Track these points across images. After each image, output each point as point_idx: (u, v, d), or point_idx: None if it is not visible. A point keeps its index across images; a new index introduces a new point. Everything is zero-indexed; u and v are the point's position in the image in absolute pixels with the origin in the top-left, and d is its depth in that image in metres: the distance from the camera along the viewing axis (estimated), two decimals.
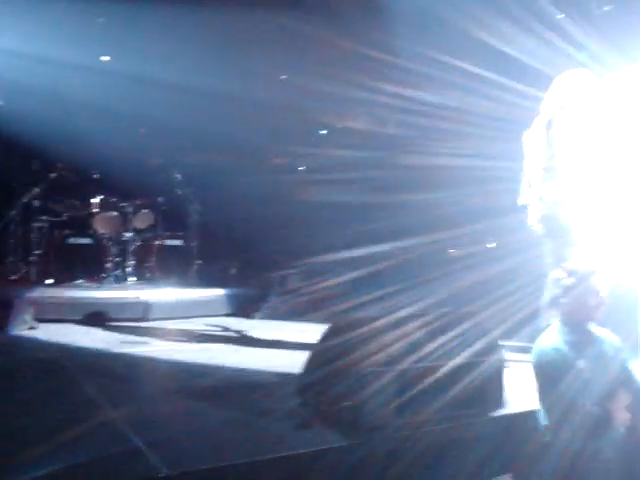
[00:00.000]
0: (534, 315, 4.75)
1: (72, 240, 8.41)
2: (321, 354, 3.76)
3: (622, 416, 3.41)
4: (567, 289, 3.52)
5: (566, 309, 3.53)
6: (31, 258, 8.15)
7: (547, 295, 3.66)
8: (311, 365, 3.80)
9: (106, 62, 9.45)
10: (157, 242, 8.71)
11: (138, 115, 9.21)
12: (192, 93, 8.79)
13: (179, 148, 9.37)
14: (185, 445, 3.16)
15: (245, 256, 9.11)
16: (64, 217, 8.42)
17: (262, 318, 7.71)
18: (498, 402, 3.75)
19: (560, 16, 7.64)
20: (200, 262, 8.95)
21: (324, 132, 10.91)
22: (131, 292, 7.77)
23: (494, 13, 7.34)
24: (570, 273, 3.55)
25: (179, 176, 9.01)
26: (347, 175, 9.21)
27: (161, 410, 3.85)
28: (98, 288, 7.92)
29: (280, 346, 5.89)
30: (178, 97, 8.87)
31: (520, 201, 4.87)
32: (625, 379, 3.57)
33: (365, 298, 6.40)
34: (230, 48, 8.96)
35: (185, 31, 8.63)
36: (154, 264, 8.59)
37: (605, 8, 7.36)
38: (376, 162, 9.08)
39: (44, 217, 8.32)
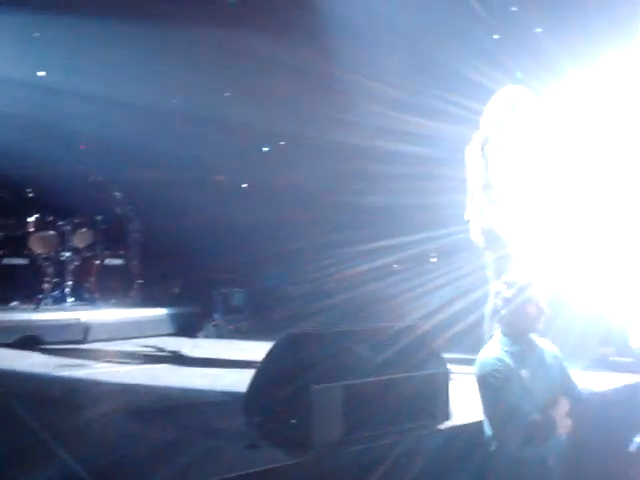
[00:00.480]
0: (476, 326, 4.84)
1: (6, 261, 8.12)
2: (267, 371, 3.72)
3: (564, 423, 3.49)
4: (507, 300, 3.60)
5: (507, 320, 3.60)
6: None
7: (488, 307, 3.73)
8: (257, 383, 3.75)
9: (43, 77, 9.23)
10: (96, 261, 8.49)
11: (77, 131, 9.03)
12: (133, 109, 8.66)
13: (119, 165, 9.19)
14: (128, 470, 3.07)
15: (187, 274, 8.97)
16: None
17: (206, 337, 7.60)
18: (445, 414, 3.78)
19: (496, 36, 7.91)
20: (141, 281, 8.77)
21: (266, 149, 10.93)
22: (70, 313, 7.54)
23: (436, 29, 7.53)
24: (509, 285, 3.63)
25: (118, 194, 8.83)
26: (288, 191, 9.25)
27: (101, 434, 3.73)
28: (35, 310, 7.66)
29: (225, 365, 5.80)
30: (118, 113, 8.73)
31: (465, 216, 4.98)
32: (565, 387, 3.66)
33: (308, 312, 6.40)
34: (173, 64, 8.89)
35: (127, 47, 8.51)
36: (94, 284, 8.37)
37: (537, 30, 7.64)
38: (315, 178, 9.14)
39: None
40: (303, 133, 9.32)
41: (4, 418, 3.99)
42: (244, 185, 10.71)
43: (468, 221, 4.95)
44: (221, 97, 9.96)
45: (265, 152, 10.92)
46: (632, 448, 4.22)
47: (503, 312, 3.60)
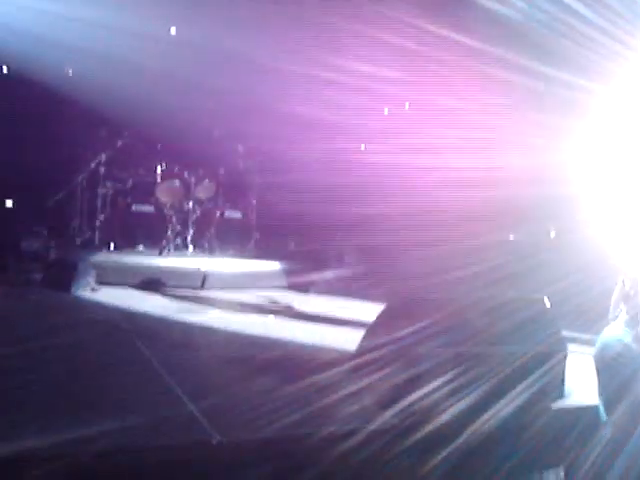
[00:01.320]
0: (605, 308, 4.58)
1: (135, 207, 8.56)
2: (377, 333, 3.71)
3: None
4: (638, 283, 3.36)
5: (635, 301, 3.37)
6: (95, 223, 8.34)
7: (619, 289, 3.51)
8: (366, 343, 3.76)
9: (178, 33, 9.50)
10: (217, 213, 8.78)
11: (203, 87, 9.24)
12: (258, 70, 8.74)
13: (243, 121, 9.35)
14: (237, 414, 3.19)
15: (303, 231, 9.08)
16: (128, 184, 8.56)
17: (318, 293, 7.68)
18: (560, 393, 3.63)
19: None
20: (259, 235, 8.99)
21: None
22: (190, 261, 7.87)
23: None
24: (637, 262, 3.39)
25: (242, 148, 9.03)
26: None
27: (215, 379, 3.89)
28: (159, 256, 8.05)
29: (333, 322, 5.86)
30: (244, 71, 8.84)
31: None
32: None
33: (431, 280, 6.28)
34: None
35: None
36: (214, 235, 8.67)
37: None
38: None
39: (109, 184, 8.48)
40: None
41: (128, 353, 4.25)
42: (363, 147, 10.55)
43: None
44: None
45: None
46: None
47: (632, 292, 3.37)
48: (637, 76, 5.58)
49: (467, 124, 8.30)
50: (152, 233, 8.50)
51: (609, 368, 3.31)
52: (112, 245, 8.18)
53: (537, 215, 7.76)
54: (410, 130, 8.93)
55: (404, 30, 8.28)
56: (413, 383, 3.34)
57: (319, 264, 8.09)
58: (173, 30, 9.51)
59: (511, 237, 8.60)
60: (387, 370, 3.45)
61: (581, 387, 3.83)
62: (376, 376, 3.58)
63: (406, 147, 8.66)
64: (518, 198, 7.81)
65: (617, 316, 3.51)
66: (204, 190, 8.84)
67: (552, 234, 8.42)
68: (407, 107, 9.75)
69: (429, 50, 8.35)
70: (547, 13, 6.98)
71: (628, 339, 3.31)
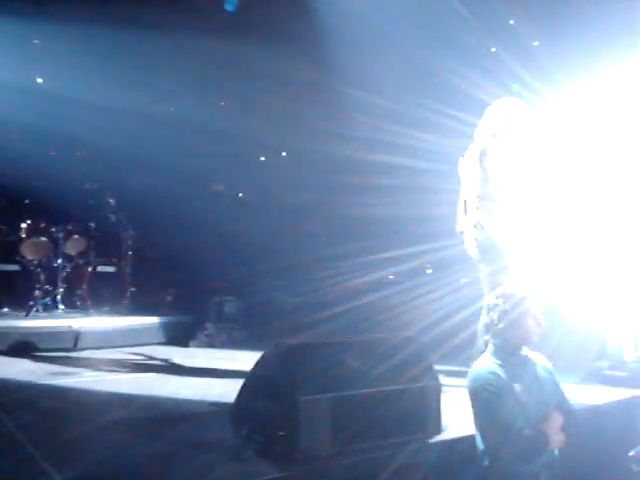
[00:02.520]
0: (471, 340, 4.78)
1: None
2: (255, 382, 3.66)
3: (557, 438, 3.43)
4: (504, 313, 3.54)
5: (503, 333, 3.54)
6: None
7: (482, 319, 3.67)
8: (245, 394, 3.69)
9: (41, 84, 9.21)
10: (89, 268, 8.43)
11: (72, 138, 8.99)
12: (129, 117, 8.64)
13: (114, 172, 9.15)
14: None
15: (181, 283, 8.91)
16: None
17: (198, 346, 7.54)
18: (436, 427, 3.72)
19: (493, 49, 7.91)
20: (134, 289, 8.70)
21: (263, 159, 10.89)
22: (61, 321, 7.48)
23: (432, 41, 7.52)
24: (507, 297, 3.57)
25: (112, 200, 8.78)
26: (286, 202, 9.22)
27: (88, 445, 3.66)
28: (26, 317, 7.59)
29: (215, 375, 5.75)
30: (114, 120, 8.70)
31: (457, 228, 4.93)
32: (558, 401, 3.60)
33: (303, 324, 6.34)
34: (170, 72, 8.88)
35: (124, 54, 8.51)
36: (86, 291, 8.30)
37: (535, 43, 7.65)
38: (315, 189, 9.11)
39: None
40: (301, 144, 9.31)
41: None
42: (240, 194, 10.66)
43: (461, 233, 4.90)
44: (218, 106, 9.96)
45: (263, 162, 10.89)
46: (629, 463, 4.16)
47: (500, 325, 3.53)
48: None
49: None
50: (18, 293, 8.01)
51: (481, 398, 3.44)
52: None
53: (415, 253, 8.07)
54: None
55: None
56: (294, 430, 3.30)
57: (199, 316, 7.96)
58: (39, 80, 9.23)
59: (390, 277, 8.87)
60: (265, 420, 3.39)
61: (456, 419, 3.94)
62: (258, 428, 3.53)
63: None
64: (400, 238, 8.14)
65: (485, 347, 3.67)
66: (74, 245, 8.49)
67: (429, 271, 8.78)
68: None
69: None
70: None
71: (496, 369, 3.47)
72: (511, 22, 7.87)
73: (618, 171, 5.53)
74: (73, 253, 8.49)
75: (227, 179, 10.28)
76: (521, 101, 4.89)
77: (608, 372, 5.31)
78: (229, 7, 8.26)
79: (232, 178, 10.19)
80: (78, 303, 8.30)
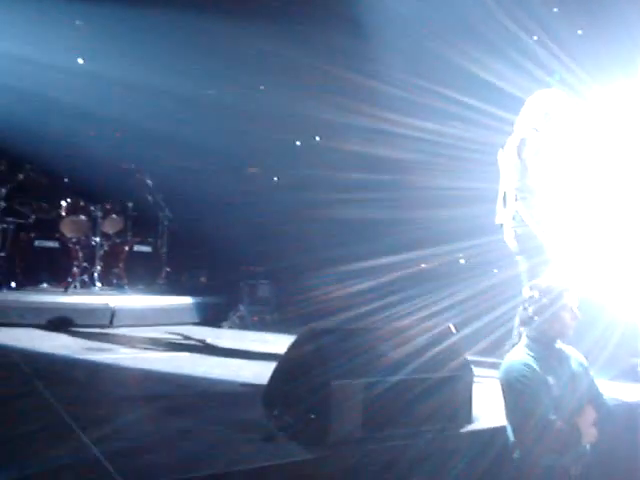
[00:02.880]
0: (508, 335, 4.75)
1: (38, 243, 8.21)
2: (288, 365, 3.69)
3: (589, 432, 3.41)
4: (542, 306, 3.51)
5: (539, 326, 3.51)
6: None
7: (520, 310, 3.65)
8: (278, 376, 3.73)
9: (81, 64, 9.32)
10: (126, 247, 8.56)
11: (112, 118, 9.10)
12: (168, 98, 8.71)
13: (152, 153, 9.24)
14: (145, 457, 3.07)
15: (215, 264, 9.00)
16: (31, 219, 8.23)
17: (230, 327, 7.62)
18: (467, 417, 3.71)
19: (535, 37, 7.77)
20: (169, 269, 8.82)
21: (298, 144, 10.89)
22: (98, 298, 7.62)
23: (468, 37, 7.42)
24: (545, 290, 3.54)
25: (150, 181, 8.89)
26: (324, 188, 9.20)
27: (122, 419, 3.74)
28: (64, 293, 7.75)
29: (247, 356, 5.80)
30: (154, 101, 8.78)
31: (496, 220, 4.89)
32: (592, 396, 3.57)
33: (335, 307, 6.35)
34: (209, 55, 8.91)
35: (164, 36, 8.57)
36: (122, 270, 8.44)
37: (579, 32, 7.49)
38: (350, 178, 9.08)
39: (10, 219, 8.12)
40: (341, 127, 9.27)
41: (25, 396, 4.03)
42: (275, 179, 10.70)
43: (501, 226, 4.85)
44: (256, 89, 9.98)
45: (299, 146, 10.88)
46: None
47: (536, 318, 3.51)
48: None
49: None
50: (57, 270, 8.17)
51: (514, 390, 3.43)
52: (13, 283, 7.80)
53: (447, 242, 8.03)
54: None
55: None
56: (327, 413, 3.33)
57: (232, 297, 8.03)
58: (80, 61, 9.34)
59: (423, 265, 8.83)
60: (296, 403, 3.42)
61: (489, 410, 3.93)
62: (290, 410, 3.56)
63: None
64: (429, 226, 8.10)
65: (519, 339, 3.65)
66: (111, 224, 8.63)
67: (461, 261, 8.72)
68: None
69: None
70: None
71: (530, 361, 3.45)
72: (555, 10, 7.71)
73: None
74: (111, 232, 8.63)
75: (263, 162, 10.32)
76: (562, 93, 4.80)
77: None
78: None
79: (268, 161, 10.23)
80: (114, 281, 8.44)
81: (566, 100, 4.76)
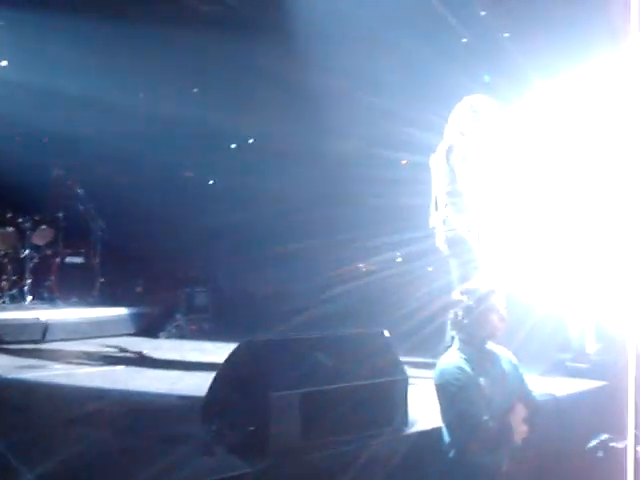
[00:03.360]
0: (440, 333, 4.87)
1: None
2: (227, 377, 3.68)
3: (520, 429, 3.54)
4: (469, 308, 3.63)
5: (468, 328, 3.63)
6: None
7: (450, 314, 3.76)
8: (216, 388, 3.71)
9: (5, 68, 9.04)
10: (57, 259, 8.34)
11: (41, 126, 8.84)
12: (98, 106, 8.53)
13: (82, 162, 9.03)
14: (82, 477, 3.01)
15: (150, 273, 8.86)
16: None
17: (168, 337, 7.51)
18: (403, 421, 3.79)
19: (464, 40, 7.97)
20: (103, 280, 8.63)
21: (233, 146, 10.85)
22: (29, 312, 7.40)
23: (398, 37, 7.56)
24: (471, 293, 3.66)
25: (81, 190, 8.67)
26: (257, 191, 9.21)
27: (57, 439, 3.66)
28: None
29: (185, 367, 5.75)
30: (82, 109, 8.59)
31: (430, 223, 5.00)
32: (522, 393, 3.71)
33: (271, 316, 6.37)
34: (137, 60, 8.77)
35: (92, 41, 8.39)
36: (54, 282, 8.21)
37: (505, 34, 7.72)
38: (286, 179, 9.12)
39: None
40: (275, 133, 9.29)
41: None
42: (211, 182, 10.61)
43: (433, 229, 4.97)
44: (188, 95, 9.88)
45: (233, 150, 10.84)
46: (593, 451, 4.28)
47: (465, 321, 3.63)
48: None
49: None
50: None
51: (448, 392, 3.53)
52: None
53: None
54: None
55: None
56: (266, 425, 3.35)
57: (169, 307, 7.93)
58: (3, 63, 9.05)
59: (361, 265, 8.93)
60: (236, 415, 3.43)
61: (425, 412, 4.02)
62: (229, 422, 3.56)
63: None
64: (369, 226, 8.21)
65: (452, 342, 3.76)
66: (41, 236, 8.39)
67: (398, 259, 8.86)
68: None
69: None
70: None
71: (462, 363, 3.56)
72: (483, 13, 7.93)
73: (588, 168, 5.64)
74: (41, 244, 8.38)
75: (197, 167, 10.22)
76: (489, 98, 4.95)
77: (571, 364, 5.45)
78: None
79: (202, 166, 10.14)
80: (46, 294, 8.20)
81: (492, 105, 4.92)
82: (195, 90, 10.06)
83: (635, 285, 5.02)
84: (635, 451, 3.88)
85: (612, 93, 5.49)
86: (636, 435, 3.97)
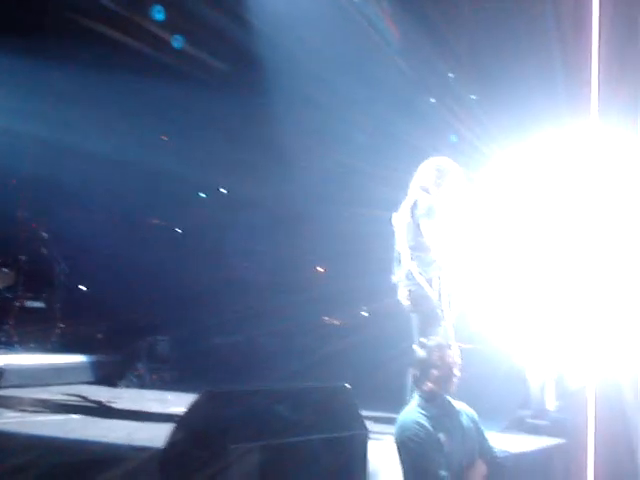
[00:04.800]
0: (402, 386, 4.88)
1: None
2: (186, 428, 3.63)
3: None
4: (421, 362, 3.69)
5: (422, 383, 3.68)
6: None
7: (412, 372, 3.80)
8: (175, 440, 3.65)
9: None
10: (16, 303, 8.17)
11: (6, 167, 8.78)
12: (64, 148, 8.52)
13: (48, 205, 8.96)
14: None
15: (111, 320, 8.73)
16: None
17: (127, 386, 7.37)
18: (362, 475, 3.76)
19: (432, 100, 8.23)
20: (63, 326, 8.47)
21: (203, 195, 10.88)
22: None
23: (366, 98, 7.78)
24: (426, 347, 3.73)
25: (45, 234, 8.58)
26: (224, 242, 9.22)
27: None
28: None
29: (144, 418, 5.64)
30: (48, 152, 8.57)
31: (393, 279, 5.05)
32: (482, 450, 3.73)
33: (233, 365, 6.29)
34: (103, 105, 8.83)
35: (52, 84, 8.44)
36: (12, 327, 8.03)
37: (472, 96, 8.01)
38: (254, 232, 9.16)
39: None
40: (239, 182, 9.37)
41: None
42: (178, 230, 10.59)
43: (396, 284, 5.02)
44: (157, 142, 9.93)
45: (203, 199, 10.86)
46: None
47: (422, 376, 3.67)
48: None
49: None
50: None
51: (407, 449, 3.54)
52: None
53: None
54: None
55: None
56: (225, 477, 3.29)
57: (129, 355, 7.80)
58: None
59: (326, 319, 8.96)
60: (194, 468, 3.37)
61: (384, 467, 4.00)
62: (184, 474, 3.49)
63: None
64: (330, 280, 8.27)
65: (412, 398, 3.78)
66: (1, 278, 8.24)
67: (364, 314, 8.92)
68: None
69: None
70: None
71: (422, 419, 3.57)
72: (450, 75, 8.21)
73: (550, 226, 5.83)
74: (0, 287, 8.23)
75: (165, 215, 10.20)
76: (451, 160, 5.10)
77: (530, 421, 5.50)
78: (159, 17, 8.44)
79: (170, 213, 10.12)
80: (3, 339, 8.01)
81: (456, 168, 5.07)
82: (164, 138, 10.12)
83: (594, 343, 5.15)
84: None
85: (572, 161, 5.75)
86: None
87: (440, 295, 4.77)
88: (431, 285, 4.77)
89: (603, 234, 5.37)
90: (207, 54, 8.79)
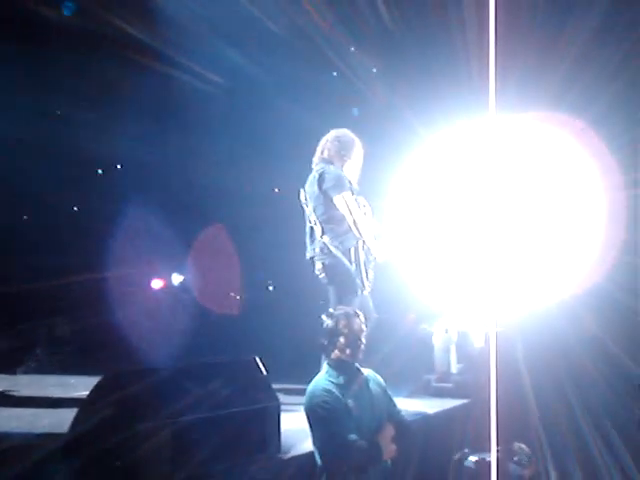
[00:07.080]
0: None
1: None
2: (91, 411, 3.51)
3: (389, 448, 3.65)
4: (328, 331, 3.74)
5: (330, 351, 3.73)
6: None
7: (319, 340, 3.83)
8: (79, 424, 3.53)
9: None
10: None
11: None
12: None
13: None
14: None
15: (5, 304, 8.27)
16: None
17: (26, 373, 7.06)
18: (276, 447, 3.79)
19: (335, 73, 8.25)
20: None
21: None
22: None
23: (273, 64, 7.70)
24: (330, 316, 3.77)
25: None
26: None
27: None
28: None
29: (45, 404, 5.40)
30: None
31: (307, 255, 5.04)
32: (390, 414, 3.82)
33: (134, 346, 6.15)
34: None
35: None
36: None
37: (374, 70, 8.08)
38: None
39: None
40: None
41: None
42: (75, 208, 10.11)
43: (311, 259, 5.00)
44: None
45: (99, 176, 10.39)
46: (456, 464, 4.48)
47: (329, 344, 3.72)
48: None
49: None
50: None
51: (317, 416, 3.59)
52: None
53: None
54: None
55: None
56: (135, 459, 3.22)
57: (27, 341, 7.46)
58: None
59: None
60: (101, 451, 3.27)
61: (299, 437, 4.04)
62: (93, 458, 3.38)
63: None
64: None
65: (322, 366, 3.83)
66: None
67: (270, 288, 8.93)
68: None
69: None
70: None
71: (330, 387, 3.63)
72: (352, 49, 8.23)
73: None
74: None
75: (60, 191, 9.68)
76: (349, 132, 5.12)
77: (436, 384, 5.73)
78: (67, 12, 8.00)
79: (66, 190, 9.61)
80: None
81: (354, 137, 5.10)
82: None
83: (490, 305, 5.39)
84: (497, 461, 4.14)
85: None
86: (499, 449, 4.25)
87: (357, 265, 4.81)
88: (348, 257, 4.79)
89: (499, 200, 5.61)
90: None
